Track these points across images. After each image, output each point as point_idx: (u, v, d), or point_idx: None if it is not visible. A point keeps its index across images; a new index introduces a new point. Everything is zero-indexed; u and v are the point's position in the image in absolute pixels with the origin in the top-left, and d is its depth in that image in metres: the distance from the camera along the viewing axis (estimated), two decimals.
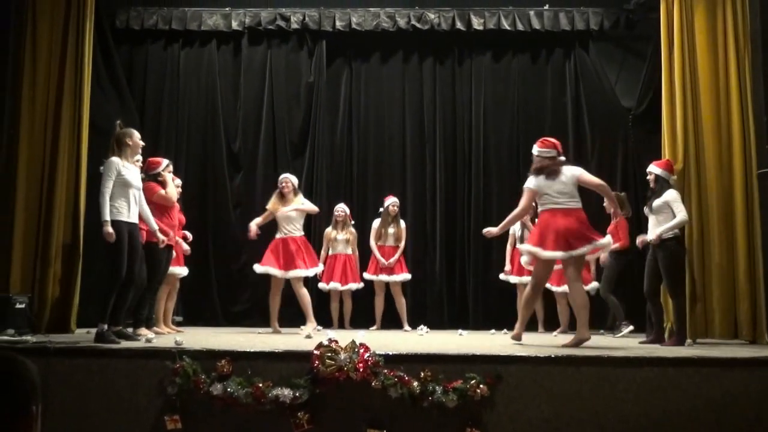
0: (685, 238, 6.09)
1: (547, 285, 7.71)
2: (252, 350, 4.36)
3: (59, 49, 6.64)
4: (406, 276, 8.01)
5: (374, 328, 7.89)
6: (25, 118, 6.48)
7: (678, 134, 6.32)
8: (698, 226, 6.19)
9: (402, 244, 8.04)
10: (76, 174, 6.56)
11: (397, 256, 7.98)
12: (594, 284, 7.57)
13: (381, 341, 5.33)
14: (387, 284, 8.01)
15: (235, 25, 8.72)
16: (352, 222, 8.24)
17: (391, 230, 8.03)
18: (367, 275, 8.02)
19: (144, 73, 8.80)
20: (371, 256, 8.05)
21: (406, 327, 7.76)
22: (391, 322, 7.97)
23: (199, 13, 8.70)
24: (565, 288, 7.60)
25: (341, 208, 8.15)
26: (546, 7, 8.64)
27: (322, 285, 7.94)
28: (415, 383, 4.01)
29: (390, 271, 7.95)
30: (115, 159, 5.15)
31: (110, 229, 4.99)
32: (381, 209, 8.12)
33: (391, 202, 8.08)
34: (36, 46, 6.59)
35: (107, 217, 5.01)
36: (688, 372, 4.19)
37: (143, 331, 5.80)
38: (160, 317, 6.52)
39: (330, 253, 8.09)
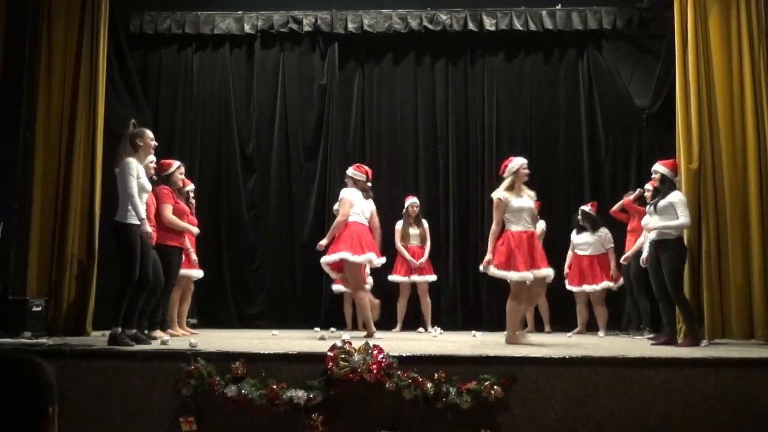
0: (701, 238, 6.06)
1: (568, 286, 7.74)
2: (266, 352, 4.37)
3: (74, 54, 6.68)
4: (434, 277, 7.94)
5: (396, 329, 7.76)
6: (41, 122, 6.53)
7: (693, 133, 6.27)
8: (714, 226, 6.13)
9: (428, 244, 7.93)
10: (92, 177, 6.59)
11: (426, 256, 7.88)
12: (606, 283, 7.57)
13: (395, 343, 5.33)
14: (411, 286, 7.92)
15: (247, 28, 8.76)
16: None
17: (414, 231, 7.94)
18: (395, 277, 7.85)
19: (158, 77, 8.87)
20: (396, 258, 7.88)
21: (430, 328, 7.63)
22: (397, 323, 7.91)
23: (212, 17, 8.74)
24: (583, 288, 7.61)
25: None
26: (558, 6, 8.60)
27: (335, 287, 7.92)
28: (429, 385, 3.99)
29: (420, 271, 7.85)
30: (133, 160, 5.13)
31: (148, 228, 5.10)
32: (404, 211, 8.07)
33: (411, 203, 8.00)
34: (51, 51, 6.64)
35: (143, 215, 5.01)
36: (705, 373, 4.16)
37: (158, 333, 5.83)
38: (175, 319, 6.56)
39: None
